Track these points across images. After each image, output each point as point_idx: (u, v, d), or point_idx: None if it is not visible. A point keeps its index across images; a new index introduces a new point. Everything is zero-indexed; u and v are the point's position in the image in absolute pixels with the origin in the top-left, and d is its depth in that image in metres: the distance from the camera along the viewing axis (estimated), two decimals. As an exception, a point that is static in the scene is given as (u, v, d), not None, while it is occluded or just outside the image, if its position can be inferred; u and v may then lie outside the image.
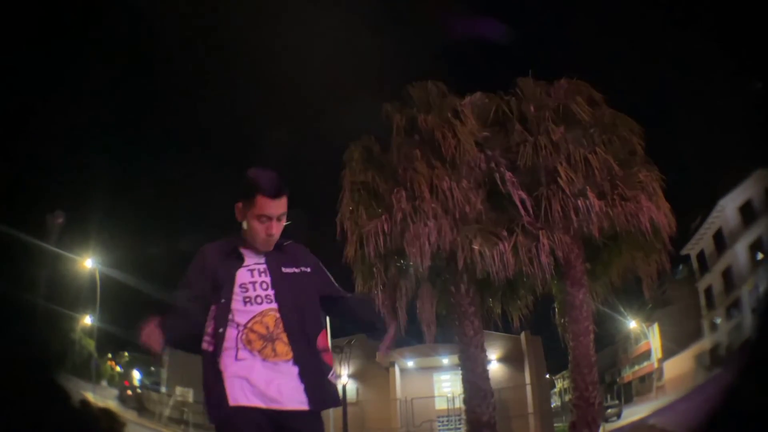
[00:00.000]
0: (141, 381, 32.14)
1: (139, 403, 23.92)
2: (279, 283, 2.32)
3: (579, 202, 11.81)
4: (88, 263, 20.08)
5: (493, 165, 12.81)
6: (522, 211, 12.16)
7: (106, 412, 12.30)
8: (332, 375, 2.36)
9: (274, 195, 2.28)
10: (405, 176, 12.85)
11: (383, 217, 12.38)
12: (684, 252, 24.81)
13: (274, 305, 2.28)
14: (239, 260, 2.35)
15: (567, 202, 11.92)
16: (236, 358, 2.20)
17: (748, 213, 20.69)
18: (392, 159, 13.54)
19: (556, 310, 13.39)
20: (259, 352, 2.22)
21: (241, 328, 2.24)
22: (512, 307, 14.09)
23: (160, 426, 21.46)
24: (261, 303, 2.28)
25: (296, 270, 2.39)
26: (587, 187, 12.06)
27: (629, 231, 11.93)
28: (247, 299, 2.28)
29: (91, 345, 23.62)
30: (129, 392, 26.44)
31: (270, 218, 2.29)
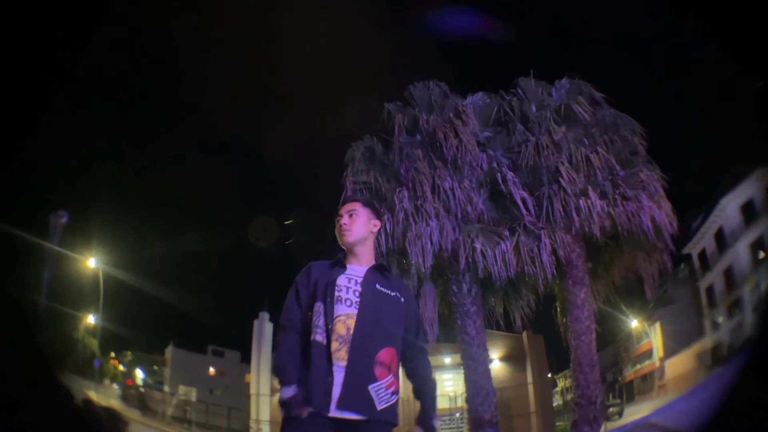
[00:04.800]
0: (144, 380, 32.20)
1: (142, 402, 23.97)
2: (367, 294, 2.53)
3: (581, 201, 11.82)
4: (91, 263, 20.13)
5: (494, 165, 12.83)
6: (524, 211, 12.17)
7: (110, 411, 12.34)
8: (375, 386, 2.38)
9: (342, 203, 2.80)
10: (407, 176, 12.88)
11: (385, 216, 12.41)
12: (685, 251, 24.81)
13: (356, 310, 2.47)
14: (342, 268, 2.63)
15: (568, 202, 11.93)
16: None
17: (749, 212, 20.68)
18: (394, 159, 13.56)
19: (558, 309, 13.40)
20: (334, 353, 2.39)
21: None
22: (514, 306, 14.10)
23: (163, 425, 21.51)
24: (350, 306, 2.48)
25: (389, 292, 2.59)
26: (589, 187, 12.08)
27: (631, 230, 11.93)
28: (338, 299, 2.50)
29: (94, 344, 23.66)
30: (132, 391, 26.49)
31: (341, 216, 2.74)
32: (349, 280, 2.56)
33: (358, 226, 2.70)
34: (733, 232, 21.76)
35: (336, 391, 2.32)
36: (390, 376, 2.44)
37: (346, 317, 2.44)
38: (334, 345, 2.39)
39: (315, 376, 2.34)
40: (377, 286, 2.57)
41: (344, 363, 2.36)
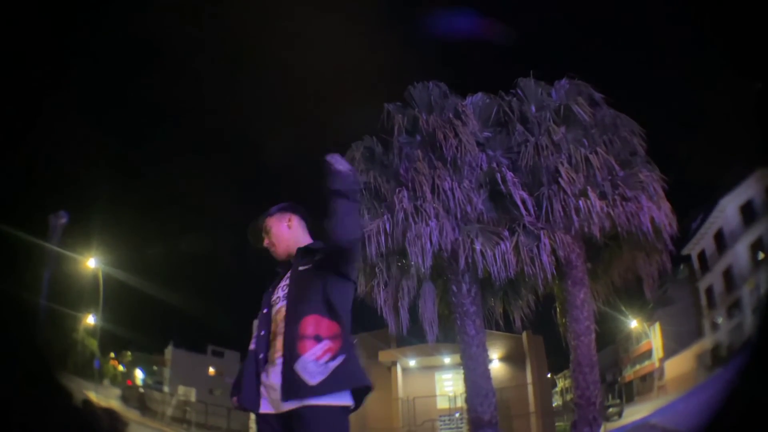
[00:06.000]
0: (144, 380, 32.22)
1: (141, 403, 23.94)
2: (292, 282, 2.48)
3: (580, 202, 11.82)
4: (91, 263, 20.13)
5: (494, 165, 12.83)
6: (523, 211, 12.17)
7: (109, 412, 12.31)
8: (300, 363, 2.20)
9: (252, 227, 2.76)
10: (407, 176, 12.89)
11: (385, 216, 12.41)
12: (685, 252, 24.83)
13: (285, 302, 2.44)
14: (279, 277, 2.61)
15: (568, 202, 11.93)
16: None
17: (748, 213, 20.71)
18: (394, 159, 13.57)
19: (558, 309, 13.40)
20: (267, 350, 2.40)
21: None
22: (514, 306, 14.10)
23: (162, 425, 21.49)
24: (278, 303, 2.47)
25: (309, 266, 2.47)
26: (588, 187, 12.08)
27: (630, 231, 11.93)
28: (274, 302, 2.51)
29: (93, 345, 23.69)
30: (132, 392, 26.47)
31: (262, 240, 2.70)
32: (281, 279, 2.56)
33: (279, 237, 2.66)
34: (733, 232, 21.78)
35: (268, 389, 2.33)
36: (320, 345, 2.22)
37: (276, 314, 2.45)
38: (270, 344, 2.41)
39: (243, 378, 2.41)
40: (299, 268, 2.48)
41: (280, 355, 2.30)
